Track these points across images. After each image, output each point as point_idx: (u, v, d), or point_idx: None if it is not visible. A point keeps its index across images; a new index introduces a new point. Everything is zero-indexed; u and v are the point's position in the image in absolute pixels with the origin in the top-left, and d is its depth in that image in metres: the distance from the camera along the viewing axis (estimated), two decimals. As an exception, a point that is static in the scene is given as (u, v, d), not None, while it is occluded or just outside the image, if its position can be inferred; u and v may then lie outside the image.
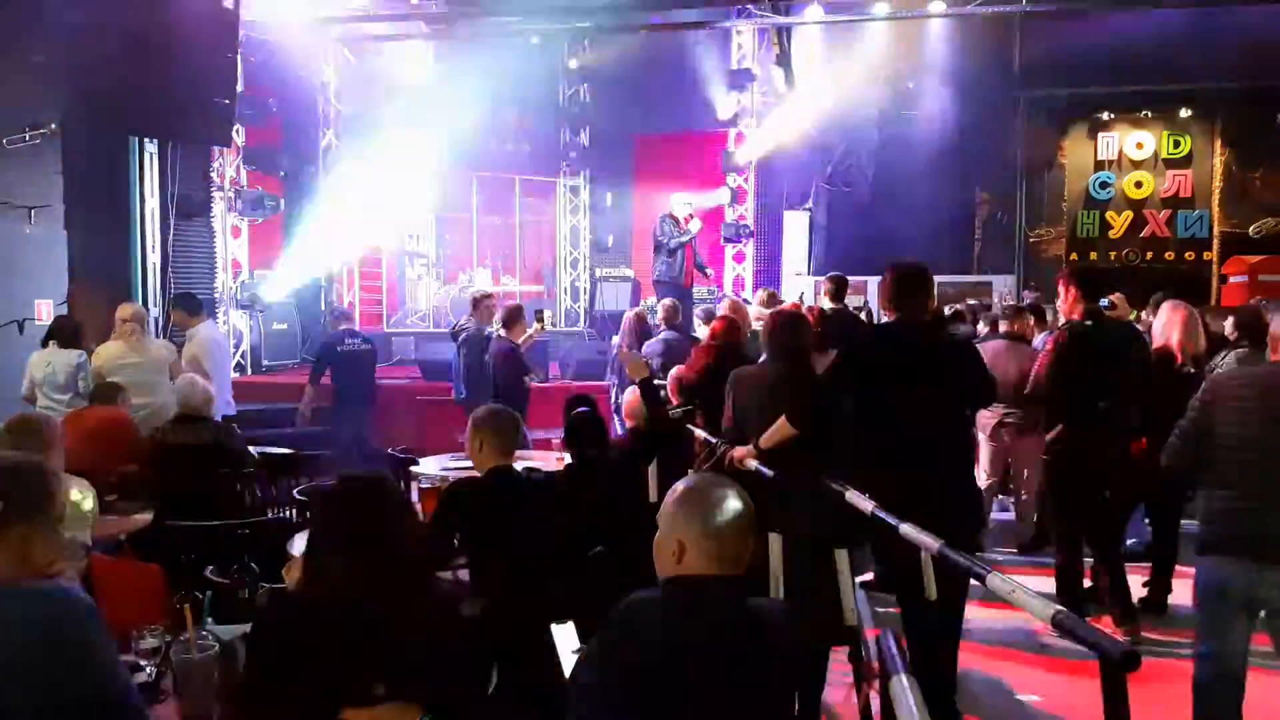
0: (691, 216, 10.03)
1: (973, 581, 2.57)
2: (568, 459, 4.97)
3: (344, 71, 12.32)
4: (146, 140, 8.62)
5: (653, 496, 4.63)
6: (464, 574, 3.60)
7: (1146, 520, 5.54)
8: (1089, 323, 4.84)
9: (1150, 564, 5.36)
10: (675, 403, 6.06)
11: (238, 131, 9.83)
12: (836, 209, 13.12)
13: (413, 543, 2.07)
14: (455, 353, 8.12)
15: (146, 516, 4.50)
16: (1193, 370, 4.89)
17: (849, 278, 8.04)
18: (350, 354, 8.19)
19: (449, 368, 8.50)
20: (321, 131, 12.09)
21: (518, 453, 3.74)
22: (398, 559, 2.01)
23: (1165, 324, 5.07)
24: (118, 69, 6.86)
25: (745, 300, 9.63)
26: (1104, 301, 5.13)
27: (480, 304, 7.96)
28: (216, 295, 10.26)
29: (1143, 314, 7.24)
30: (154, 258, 8.99)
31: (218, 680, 2.26)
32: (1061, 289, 4.98)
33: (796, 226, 12.96)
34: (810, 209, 13.05)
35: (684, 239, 9.85)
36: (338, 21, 10.75)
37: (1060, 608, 1.97)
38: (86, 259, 8.12)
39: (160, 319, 8.83)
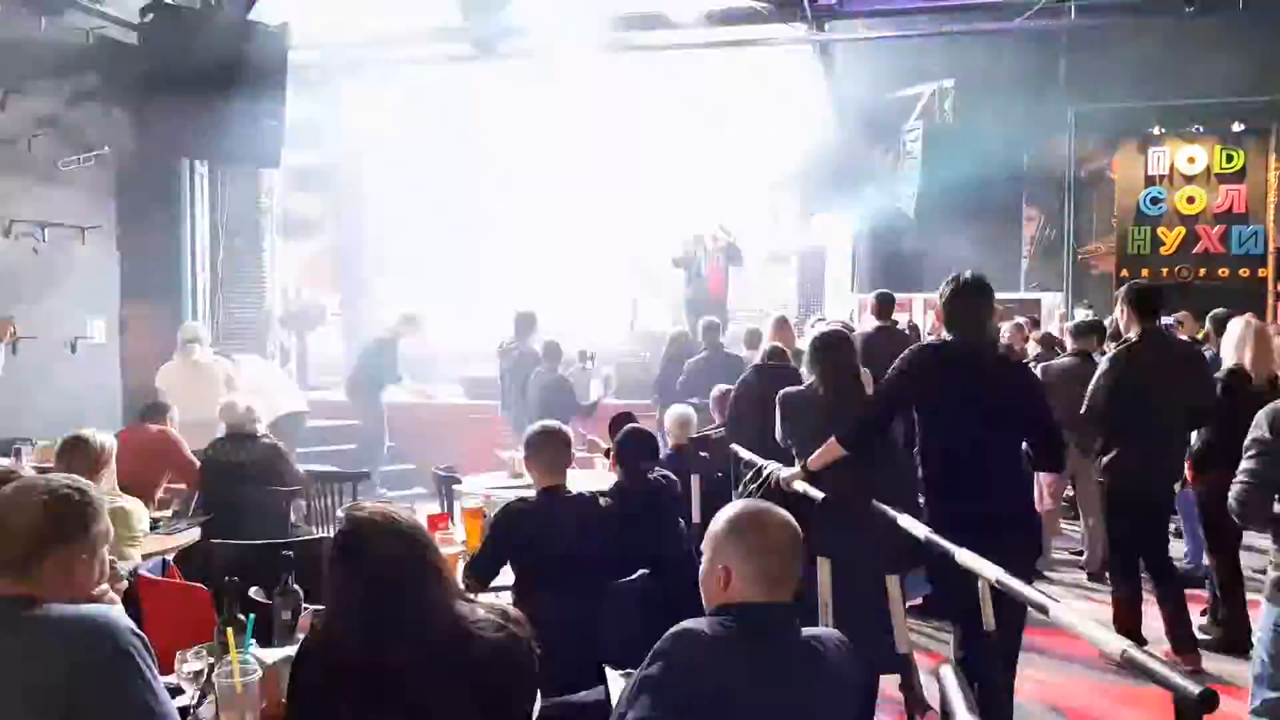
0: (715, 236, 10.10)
1: (1032, 611, 2.48)
2: (612, 477, 4.92)
3: (389, 93, 12.44)
4: (197, 162, 8.76)
5: (695, 518, 4.58)
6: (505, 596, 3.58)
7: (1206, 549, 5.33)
8: (1146, 342, 4.71)
9: (1210, 594, 5.17)
10: (719, 419, 6.02)
11: (286, 154, 9.95)
12: (880, 226, 12.97)
13: (432, 585, 2.02)
14: (500, 370, 8.23)
15: (193, 534, 4.54)
16: (1267, 390, 4.69)
17: (895, 295, 7.92)
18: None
19: (494, 385, 8.62)
20: (368, 154, 12.21)
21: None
22: (415, 604, 1.97)
23: (1236, 342, 4.85)
24: (169, 93, 6.97)
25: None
26: (1169, 320, 4.97)
27: (522, 321, 8.07)
28: (265, 315, 10.38)
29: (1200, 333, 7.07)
30: (204, 278, 9.11)
31: (260, 703, 2.23)
32: (1119, 308, 4.86)
33: (839, 244, 12.84)
34: (854, 225, 12.93)
35: (693, 257, 9.98)
36: (381, 44, 10.87)
37: (1129, 643, 1.88)
38: (138, 279, 8.26)
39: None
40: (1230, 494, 3.10)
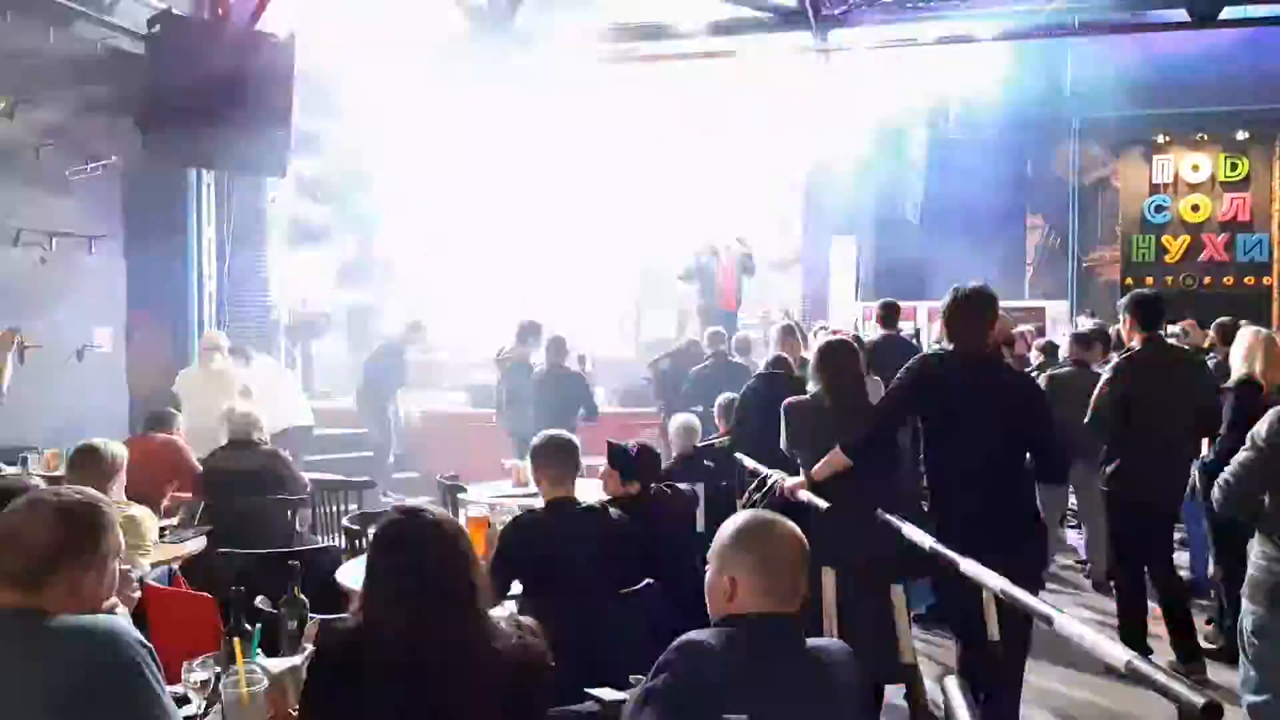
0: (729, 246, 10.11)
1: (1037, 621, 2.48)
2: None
3: (395, 102, 12.46)
4: (204, 172, 8.80)
5: (699, 527, 4.58)
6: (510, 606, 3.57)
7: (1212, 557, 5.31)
8: (1148, 351, 4.71)
9: (1216, 603, 5.16)
10: (723, 428, 6.02)
11: (292, 162, 9.98)
12: (885, 234, 12.99)
13: (471, 584, 2.04)
14: (499, 378, 8.28)
15: (200, 543, 4.55)
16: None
17: (899, 303, 7.91)
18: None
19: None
20: (373, 161, 12.23)
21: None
22: (456, 601, 1.98)
23: (1246, 351, 4.80)
24: (177, 103, 7.01)
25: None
26: (1176, 329, 4.96)
27: (525, 330, 8.12)
28: (270, 324, 10.40)
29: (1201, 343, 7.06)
30: (210, 286, 9.13)
31: (267, 713, 2.24)
32: (1121, 317, 4.87)
33: (844, 252, 12.85)
34: (858, 233, 12.94)
35: (699, 265, 9.99)
36: (388, 54, 10.91)
37: (1133, 654, 1.89)
38: (145, 287, 8.28)
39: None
40: (1216, 481, 3.14)
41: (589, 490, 4.29)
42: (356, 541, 4.69)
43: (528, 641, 2.03)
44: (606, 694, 2.33)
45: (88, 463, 3.63)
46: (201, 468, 5.43)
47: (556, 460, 3.49)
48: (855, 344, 5.46)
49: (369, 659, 1.94)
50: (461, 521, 5.22)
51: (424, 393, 10.43)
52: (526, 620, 2.12)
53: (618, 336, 13.11)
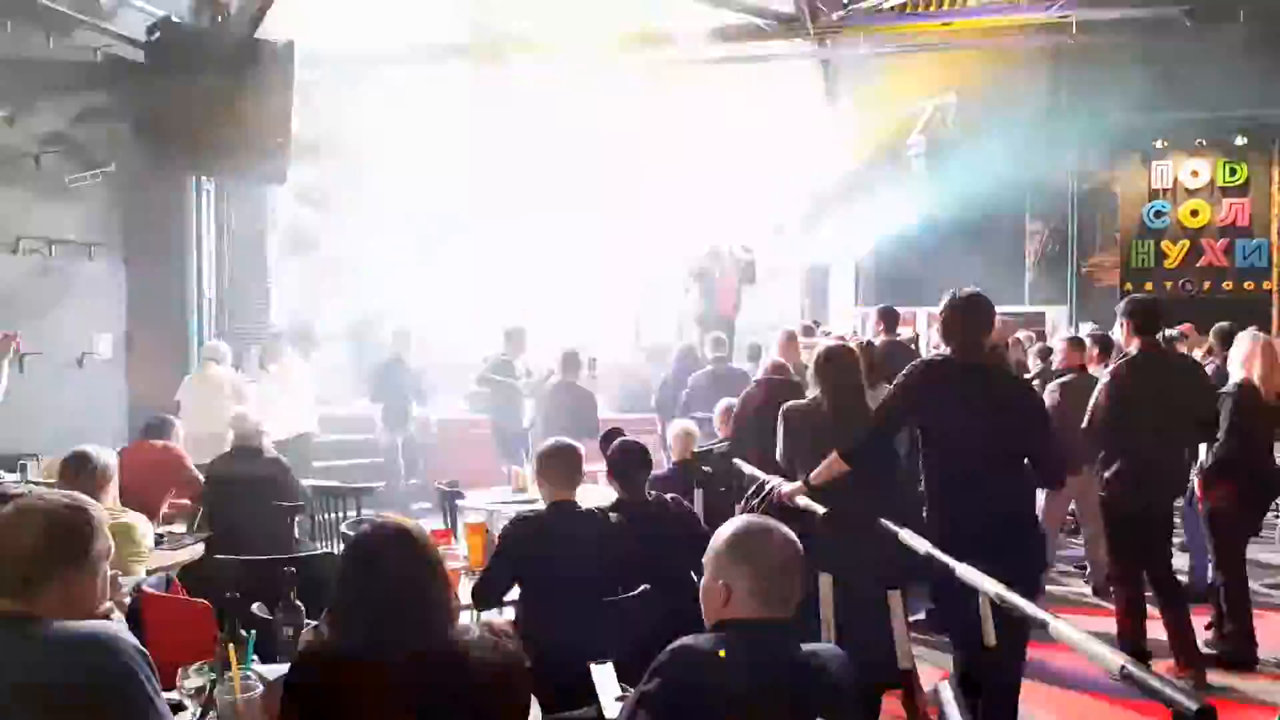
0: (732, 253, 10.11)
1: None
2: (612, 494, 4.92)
3: (395, 107, 12.49)
4: (204, 179, 8.81)
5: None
6: (509, 612, 3.58)
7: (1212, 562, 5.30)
8: (1146, 356, 4.71)
9: (1214, 608, 5.15)
10: (723, 433, 6.03)
11: (292, 170, 9.99)
12: (883, 239, 13.00)
13: (437, 593, 2.03)
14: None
15: (198, 549, 4.55)
16: (1277, 405, 4.67)
17: (899, 309, 7.92)
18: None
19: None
20: (373, 168, 12.25)
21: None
22: (421, 609, 1.97)
23: (1245, 357, 4.83)
24: (176, 111, 7.03)
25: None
26: (1173, 333, 4.97)
27: (512, 336, 8.20)
28: (270, 330, 10.40)
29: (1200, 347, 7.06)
30: (210, 293, 9.14)
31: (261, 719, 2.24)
32: (1118, 322, 4.87)
33: (843, 257, 12.85)
34: (857, 239, 12.94)
35: (700, 271, 10.00)
36: (390, 59, 10.94)
37: (1128, 659, 1.88)
38: (145, 294, 8.29)
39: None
40: None
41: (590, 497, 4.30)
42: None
43: (504, 650, 2.03)
44: (607, 678, 2.31)
45: (79, 471, 3.62)
46: (201, 475, 5.43)
47: (560, 465, 3.58)
48: (868, 350, 5.48)
49: (342, 675, 1.94)
50: (460, 527, 5.25)
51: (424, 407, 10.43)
52: (500, 624, 2.12)
53: (619, 341, 13.12)
